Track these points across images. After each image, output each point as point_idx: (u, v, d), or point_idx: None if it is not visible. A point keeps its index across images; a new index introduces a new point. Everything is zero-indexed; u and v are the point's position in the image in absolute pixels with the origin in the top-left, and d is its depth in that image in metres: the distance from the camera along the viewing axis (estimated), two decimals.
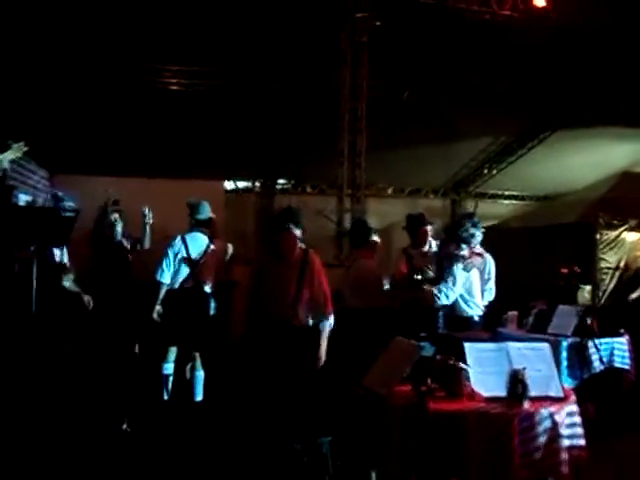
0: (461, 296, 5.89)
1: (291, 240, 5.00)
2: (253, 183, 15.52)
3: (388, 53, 10.33)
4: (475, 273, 5.98)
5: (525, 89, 12.07)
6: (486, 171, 16.18)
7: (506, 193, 17.22)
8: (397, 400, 3.25)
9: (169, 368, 6.39)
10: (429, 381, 3.34)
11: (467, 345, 3.46)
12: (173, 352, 6.39)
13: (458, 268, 5.74)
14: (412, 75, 11.47)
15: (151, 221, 6.71)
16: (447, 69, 11.16)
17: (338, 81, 10.39)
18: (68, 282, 5.91)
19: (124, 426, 5.17)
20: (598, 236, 10.59)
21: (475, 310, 6.01)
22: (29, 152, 8.09)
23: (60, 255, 5.96)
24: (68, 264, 6.07)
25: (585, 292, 11.20)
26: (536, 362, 3.42)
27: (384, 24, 9.87)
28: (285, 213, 5.22)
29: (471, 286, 6.00)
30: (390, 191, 16.18)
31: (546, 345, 3.55)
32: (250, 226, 14.61)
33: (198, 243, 6.56)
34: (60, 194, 6.34)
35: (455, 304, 5.84)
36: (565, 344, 5.59)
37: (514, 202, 17.31)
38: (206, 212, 6.68)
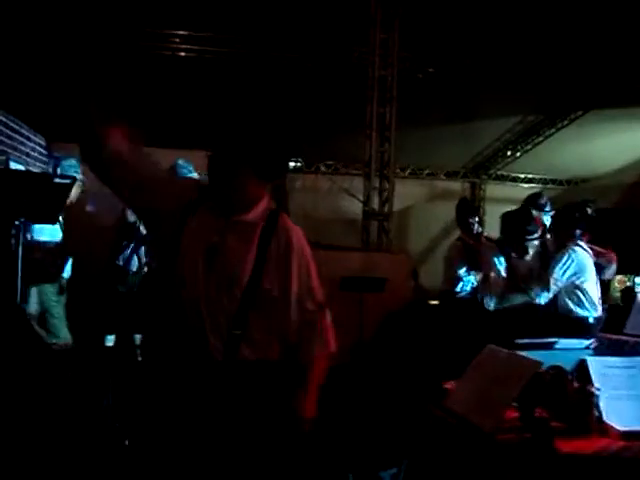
0: (569, 290, 4.88)
1: (247, 187, 2.54)
2: None
3: (414, 21, 9.47)
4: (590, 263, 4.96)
5: (558, 65, 11.17)
6: (509, 153, 15.35)
7: (529, 176, 16.40)
8: (504, 435, 2.38)
9: None
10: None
11: (591, 359, 2.61)
12: None
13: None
14: (434, 46, 10.58)
15: None
16: (474, 39, 10.24)
17: (363, 48, 9.49)
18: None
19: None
20: None
21: (589, 310, 4.93)
22: (24, 116, 7.31)
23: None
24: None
25: (616, 282, 10.42)
26: None
27: None
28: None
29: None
30: (407, 172, 15.28)
31: None
32: None
33: None
34: (58, 155, 5.42)
35: (558, 300, 4.86)
36: None
37: (536, 186, 16.42)
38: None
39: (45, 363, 4.20)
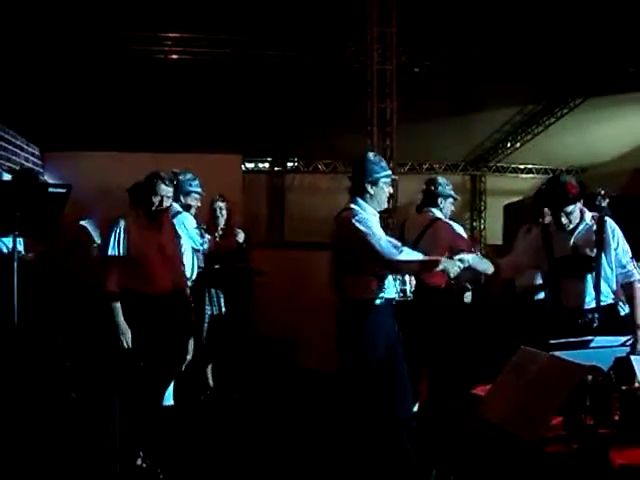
0: None
1: None
2: (259, 163, 14.70)
3: (408, 15, 9.28)
4: None
5: (554, 53, 10.97)
6: (509, 144, 15.17)
7: (529, 167, 16.21)
8: (551, 447, 2.19)
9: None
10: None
11: (636, 358, 2.42)
12: None
13: None
14: (431, 40, 10.36)
15: None
16: (469, 31, 10.02)
17: (360, 44, 9.33)
18: None
19: (139, 461, 4.07)
20: None
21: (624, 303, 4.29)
22: (18, 127, 7.11)
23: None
24: None
25: None
26: None
27: None
28: None
29: None
30: (407, 168, 15.06)
31: None
32: (262, 208, 13.73)
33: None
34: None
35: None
36: None
37: (536, 176, 16.21)
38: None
39: (44, 383, 4.00)
